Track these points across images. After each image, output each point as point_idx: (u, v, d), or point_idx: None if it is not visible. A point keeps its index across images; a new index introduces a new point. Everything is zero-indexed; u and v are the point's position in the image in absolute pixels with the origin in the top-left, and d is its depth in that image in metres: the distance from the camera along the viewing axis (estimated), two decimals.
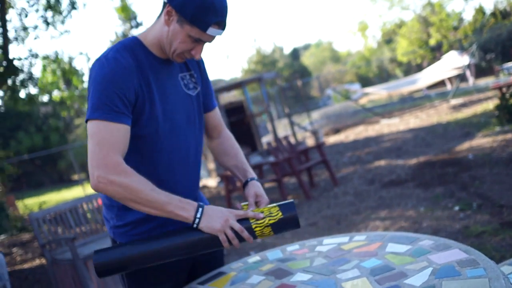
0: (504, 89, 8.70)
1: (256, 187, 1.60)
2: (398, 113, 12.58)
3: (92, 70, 1.43)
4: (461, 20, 29.34)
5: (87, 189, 13.81)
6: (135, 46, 1.49)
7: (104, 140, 1.34)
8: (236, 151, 1.74)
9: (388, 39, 36.33)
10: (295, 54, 55.53)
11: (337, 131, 11.96)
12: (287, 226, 1.46)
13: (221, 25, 1.42)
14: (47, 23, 10.43)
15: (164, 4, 1.44)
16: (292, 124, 10.17)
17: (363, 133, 10.58)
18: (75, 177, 22.89)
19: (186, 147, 1.56)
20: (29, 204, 12.57)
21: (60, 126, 25.02)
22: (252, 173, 1.67)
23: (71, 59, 15.21)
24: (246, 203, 1.54)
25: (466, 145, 6.50)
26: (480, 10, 28.52)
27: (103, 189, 1.33)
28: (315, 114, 17.69)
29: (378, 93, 15.89)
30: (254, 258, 1.68)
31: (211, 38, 1.45)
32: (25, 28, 10.43)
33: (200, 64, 1.68)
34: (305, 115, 18.28)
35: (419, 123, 9.74)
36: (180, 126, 1.54)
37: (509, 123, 5.11)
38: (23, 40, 10.61)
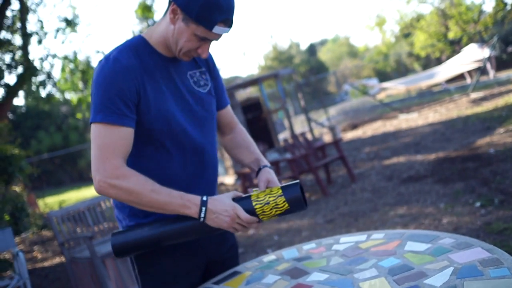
0: None
1: (268, 174, 1.57)
2: (416, 107, 12.41)
3: (94, 72, 1.43)
4: (481, 12, 28.80)
5: None
6: (139, 45, 1.47)
7: (104, 144, 1.36)
8: (248, 143, 1.72)
9: (406, 33, 35.85)
10: (312, 49, 55.20)
11: (354, 126, 11.86)
12: (292, 209, 1.44)
13: (227, 23, 1.40)
14: (67, 26, 10.58)
15: (170, 2, 1.42)
16: (309, 120, 10.10)
17: (381, 129, 10.47)
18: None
19: (199, 143, 1.54)
20: (50, 202, 12.75)
21: (79, 125, 25.34)
22: (265, 161, 1.65)
23: (88, 58, 15.38)
24: (257, 189, 1.52)
25: (487, 139, 6.37)
26: (501, 1, 27.98)
27: (105, 192, 1.37)
28: (332, 110, 17.58)
29: (396, 87, 15.70)
30: (269, 257, 1.65)
31: (217, 37, 1.42)
32: (43, 31, 10.58)
33: (208, 61, 1.65)
34: (322, 111, 18.17)
35: (438, 118, 9.59)
36: (191, 123, 1.52)
37: None
38: (40, 41, 10.77)
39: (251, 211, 1.43)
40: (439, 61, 28.73)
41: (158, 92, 1.45)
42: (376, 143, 8.84)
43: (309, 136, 9.93)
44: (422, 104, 13.04)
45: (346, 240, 1.65)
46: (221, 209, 1.40)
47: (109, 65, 1.39)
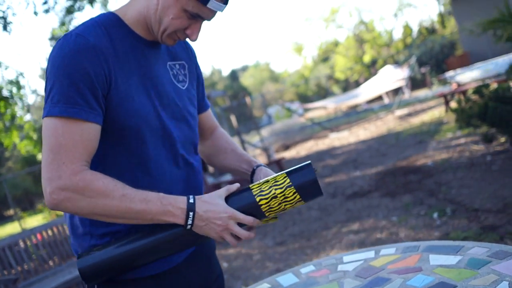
0: (448, 97, 8.95)
1: (265, 171, 1.31)
2: (345, 126, 12.67)
3: (50, 53, 1.10)
4: (391, 37, 30.61)
5: (24, 224, 12.80)
6: (110, 23, 1.16)
7: (60, 144, 1.04)
8: (234, 146, 1.45)
9: (325, 58, 37.26)
10: (234, 75, 55.76)
11: (287, 147, 11.84)
12: (306, 198, 1.17)
13: None
14: None
15: None
16: (242, 142, 9.92)
17: (314, 148, 10.51)
18: (10, 212, 21.39)
19: (178, 145, 1.24)
20: None
21: None
22: (258, 161, 1.37)
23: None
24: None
25: (422, 152, 6.50)
26: (408, 27, 29.98)
27: (60, 206, 1.04)
28: (263, 132, 17.59)
29: (323, 107, 16.04)
30: (262, 286, 1.37)
31: (211, 14, 1.15)
32: None
33: (191, 54, 1.38)
34: (253, 133, 18.10)
35: (369, 135, 9.79)
36: (169, 121, 1.22)
37: (468, 126, 5.11)
38: None
39: (253, 207, 1.15)
40: (357, 84, 30.01)
41: (133, 80, 1.15)
42: (312, 162, 8.78)
43: None
44: (350, 122, 13.36)
45: (350, 259, 1.41)
46: (213, 215, 1.11)
47: (71, 42, 1.07)
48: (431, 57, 16.90)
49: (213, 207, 1.12)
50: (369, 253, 1.41)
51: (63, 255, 4.66)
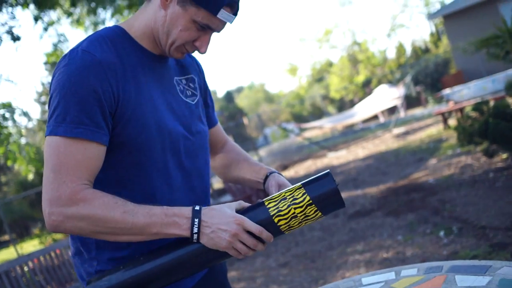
0: (446, 114, 8.96)
1: (277, 178, 1.26)
2: (343, 145, 12.65)
3: (56, 69, 1.06)
4: (385, 57, 30.95)
5: (20, 249, 12.59)
6: (116, 37, 1.13)
7: (61, 164, 1.00)
8: (246, 156, 1.41)
9: (319, 78, 37.53)
10: (229, 97, 56.00)
11: (285, 167, 11.79)
12: (324, 209, 1.10)
13: (234, 9, 1.10)
14: None
15: None
16: None
17: (313, 167, 10.46)
18: (6, 237, 21.09)
19: (190, 161, 1.21)
20: None
21: None
22: (271, 168, 1.32)
23: None
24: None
25: (423, 170, 6.47)
26: (401, 47, 30.34)
27: (61, 228, 1.00)
28: (261, 152, 17.55)
29: (320, 126, 16.05)
30: None
31: (220, 25, 1.12)
32: None
33: (199, 68, 1.34)
34: (250, 154, 18.04)
35: (368, 153, 9.77)
36: (181, 137, 1.18)
37: (469, 143, 5.09)
38: None
39: (269, 225, 1.08)
40: (352, 103, 30.16)
41: (141, 96, 1.11)
42: None
43: None
44: (348, 142, 13.34)
45: (370, 281, 1.35)
46: (220, 221, 1.05)
47: (78, 59, 1.04)
48: (426, 75, 17.03)
49: (219, 213, 1.07)
50: (389, 275, 1.35)
51: (61, 280, 4.55)
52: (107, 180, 1.12)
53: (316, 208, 1.09)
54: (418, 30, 46.78)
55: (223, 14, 1.08)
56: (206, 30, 1.11)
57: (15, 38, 8.06)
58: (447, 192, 5.03)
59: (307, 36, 33.72)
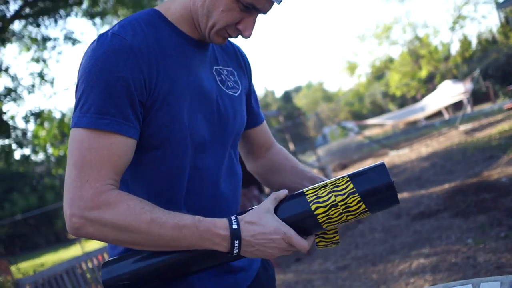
0: None
1: None
2: (405, 143, 12.15)
3: (83, 56, 0.96)
4: (449, 51, 29.60)
5: (86, 247, 13.10)
6: (151, 20, 1.01)
7: (84, 160, 0.89)
8: (294, 162, 1.25)
9: (379, 75, 36.54)
10: (287, 96, 55.92)
11: (344, 166, 11.48)
12: (372, 206, 0.95)
13: None
14: (41, 82, 10.21)
15: None
16: (299, 161, 9.69)
17: None
18: (71, 235, 22.13)
19: (226, 159, 1.10)
20: (24, 268, 11.82)
21: (55, 184, 24.36)
22: (322, 177, 1.18)
23: (63, 115, 14.94)
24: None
25: (495, 168, 6.01)
26: (466, 40, 28.91)
27: (82, 231, 0.90)
28: (319, 151, 17.28)
29: (381, 123, 15.56)
30: None
31: (267, 5, 0.97)
32: (13, 91, 10.19)
33: (243, 60, 1.21)
34: (309, 153, 17.83)
35: (432, 151, 9.28)
36: (218, 133, 1.06)
37: None
38: (15, 99, 10.33)
39: (307, 217, 0.96)
40: (414, 100, 29.11)
41: (178, 86, 0.99)
42: None
43: None
44: (410, 139, 12.81)
45: None
46: (264, 238, 0.93)
47: (106, 43, 0.93)
48: (497, 68, 16.03)
49: (261, 229, 0.94)
50: (466, 287, 1.15)
51: None
52: (135, 180, 1.02)
53: (359, 198, 0.94)
54: (485, 21, 44.44)
55: None
56: (250, 10, 0.98)
57: (74, 41, 8.37)
58: None
59: (365, 33, 32.84)
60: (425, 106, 15.42)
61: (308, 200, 0.96)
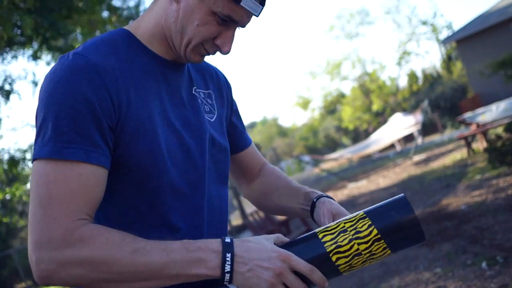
0: (469, 138, 8.67)
1: (329, 204, 1.03)
2: (362, 175, 12.33)
3: (44, 80, 0.87)
4: (396, 85, 30.81)
5: None
6: (118, 39, 0.93)
7: (51, 196, 0.78)
8: (287, 180, 1.17)
9: (332, 109, 37.46)
10: None
11: None
12: (395, 245, 0.87)
13: None
14: None
15: None
16: None
17: (334, 198, 10.15)
18: (22, 285, 20.84)
19: (212, 187, 1.01)
20: None
21: (1, 230, 23.04)
22: (318, 192, 1.09)
23: (12, 156, 14.31)
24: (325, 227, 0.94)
25: (452, 197, 6.14)
26: (413, 74, 30.25)
27: (53, 278, 0.77)
28: None
29: (336, 158, 15.80)
30: None
31: (245, 17, 0.91)
32: None
33: (225, 82, 1.15)
34: None
35: (390, 182, 9.44)
36: (200, 159, 0.98)
37: (501, 164, 4.80)
38: None
39: (325, 264, 0.86)
40: (367, 132, 29.89)
41: (151, 107, 0.91)
42: None
43: (261, 215, 9.39)
44: (367, 171, 13.02)
45: None
46: (259, 256, 0.82)
47: (66, 64, 0.84)
48: (445, 101, 16.77)
49: (258, 246, 0.84)
50: None
51: None
52: (109, 213, 0.91)
53: (385, 245, 0.86)
54: (429, 57, 46.80)
55: (247, 2, 0.88)
56: (228, 23, 0.91)
57: (36, 83, 8.13)
58: (482, 218, 4.71)
59: (317, 69, 33.80)
60: (378, 139, 15.83)
61: (328, 250, 0.86)
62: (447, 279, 3.53)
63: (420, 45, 36.47)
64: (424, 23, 28.56)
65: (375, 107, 29.28)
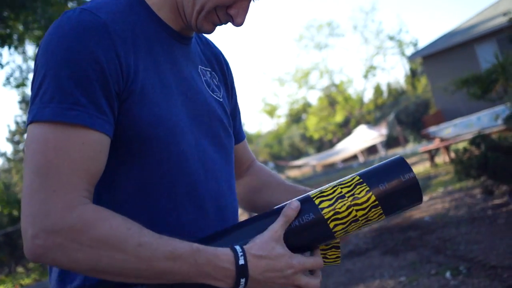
0: (433, 152, 8.87)
1: None
2: (326, 184, 12.43)
3: (44, 37, 0.77)
4: (361, 98, 31.41)
5: None
6: (128, 3, 0.85)
7: (49, 164, 0.70)
8: (279, 179, 1.12)
9: (297, 118, 37.78)
10: None
11: None
12: (391, 210, 0.85)
13: None
14: None
15: None
16: None
17: None
18: None
19: (218, 172, 0.93)
20: None
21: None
22: (314, 190, 1.06)
23: None
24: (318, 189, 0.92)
25: (416, 208, 6.24)
26: (379, 88, 30.94)
27: (47, 257, 0.70)
28: None
29: (302, 165, 15.92)
30: None
31: None
32: None
33: (227, 65, 1.08)
34: None
35: None
36: (205, 139, 0.91)
37: (466, 177, 4.91)
38: None
39: (322, 232, 0.84)
40: (331, 143, 30.30)
41: (159, 76, 0.83)
42: None
43: None
44: (331, 180, 13.10)
45: None
46: (275, 276, 0.79)
47: (73, 19, 0.76)
48: (407, 115, 17.20)
49: (273, 264, 0.79)
50: None
51: None
52: (110, 189, 0.83)
53: (381, 211, 0.84)
54: (394, 72, 47.98)
55: None
56: None
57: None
58: (445, 229, 4.80)
59: (285, 76, 34.07)
60: (342, 149, 16.07)
61: (326, 217, 0.83)
62: None
63: (386, 59, 37.32)
64: (391, 38, 29.27)
65: (339, 118, 29.74)
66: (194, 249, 0.75)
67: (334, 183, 0.87)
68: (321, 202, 0.84)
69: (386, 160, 0.89)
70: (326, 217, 0.83)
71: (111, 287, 0.77)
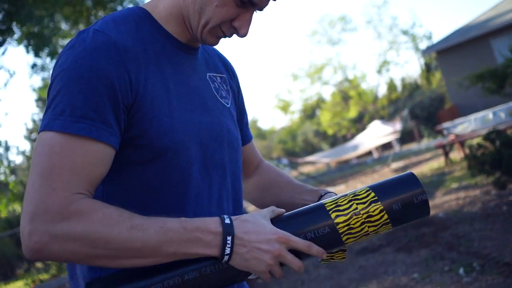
0: (447, 148, 8.81)
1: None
2: (341, 180, 12.43)
3: (60, 54, 0.85)
4: (375, 93, 31.22)
5: None
6: (138, 19, 0.92)
7: (53, 167, 0.76)
8: (288, 178, 1.17)
9: (310, 114, 37.67)
10: None
11: None
12: (399, 224, 0.91)
13: None
14: None
15: None
16: None
17: None
18: None
19: (228, 177, 1.00)
20: None
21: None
22: (324, 189, 1.09)
23: None
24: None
25: (430, 204, 6.22)
26: (392, 84, 30.71)
27: (45, 252, 0.75)
28: None
29: (315, 161, 15.89)
30: None
31: (264, 0, 0.90)
32: None
33: (233, 72, 1.13)
34: None
35: None
36: (213, 144, 0.97)
37: (480, 173, 4.89)
38: None
39: (334, 242, 0.88)
40: (345, 138, 30.18)
41: (167, 89, 0.90)
42: None
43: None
44: (345, 177, 13.13)
45: None
46: (259, 238, 0.83)
47: (87, 39, 0.83)
48: (422, 110, 17.06)
49: (257, 228, 0.85)
50: None
51: None
52: (117, 195, 0.89)
53: (390, 227, 0.91)
54: (408, 66, 47.56)
55: None
56: (247, 6, 0.90)
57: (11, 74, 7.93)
58: (459, 226, 4.79)
59: (299, 72, 33.91)
60: (357, 145, 15.99)
61: (340, 232, 0.87)
62: (424, 285, 3.57)
63: (400, 54, 37.00)
64: (405, 32, 29.01)
65: (353, 113, 29.59)
66: (182, 221, 0.83)
67: (349, 194, 0.91)
68: (336, 216, 0.88)
69: (399, 176, 0.93)
70: (340, 231, 0.88)
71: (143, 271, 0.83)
